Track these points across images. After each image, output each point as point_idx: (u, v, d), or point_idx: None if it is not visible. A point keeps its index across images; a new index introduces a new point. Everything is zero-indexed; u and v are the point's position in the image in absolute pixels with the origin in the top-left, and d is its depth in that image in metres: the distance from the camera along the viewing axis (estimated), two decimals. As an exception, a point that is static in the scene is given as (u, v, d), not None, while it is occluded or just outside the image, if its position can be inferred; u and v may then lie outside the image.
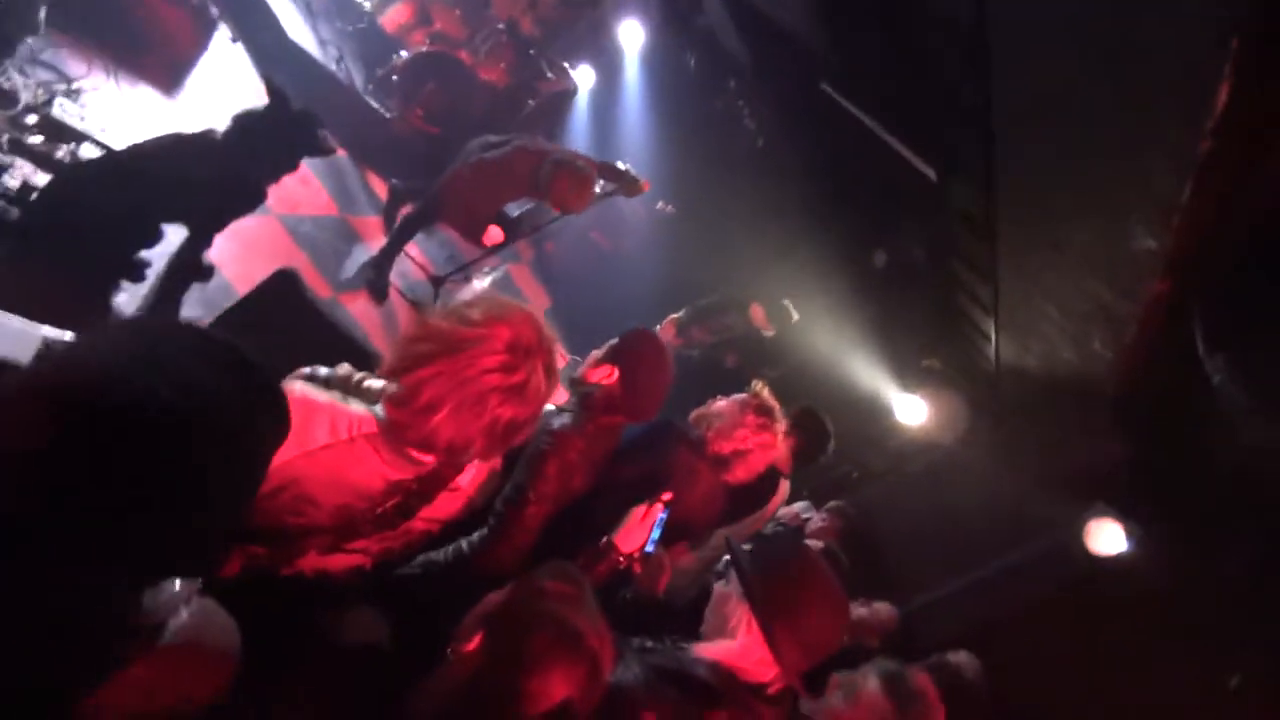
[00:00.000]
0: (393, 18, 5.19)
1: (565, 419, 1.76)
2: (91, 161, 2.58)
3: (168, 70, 3.50)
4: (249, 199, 2.77)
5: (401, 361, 1.17)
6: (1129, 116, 1.52)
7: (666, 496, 1.72)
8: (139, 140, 2.52)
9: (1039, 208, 2.39)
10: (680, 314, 5.66)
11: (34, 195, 2.24)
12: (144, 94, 3.28)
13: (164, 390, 0.58)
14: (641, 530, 1.64)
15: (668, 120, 6.50)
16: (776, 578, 1.31)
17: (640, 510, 1.63)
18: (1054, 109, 1.79)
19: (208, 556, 0.85)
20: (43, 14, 2.54)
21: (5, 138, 2.38)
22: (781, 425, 2.18)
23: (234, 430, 0.65)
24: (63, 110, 2.60)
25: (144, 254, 2.61)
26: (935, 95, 2.78)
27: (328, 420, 1.19)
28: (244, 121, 2.55)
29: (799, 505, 3.59)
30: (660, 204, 6.44)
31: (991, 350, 3.64)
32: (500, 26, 5.34)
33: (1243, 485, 2.14)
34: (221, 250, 2.99)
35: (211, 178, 2.57)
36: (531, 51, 5.53)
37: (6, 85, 2.42)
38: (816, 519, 3.27)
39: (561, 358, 1.32)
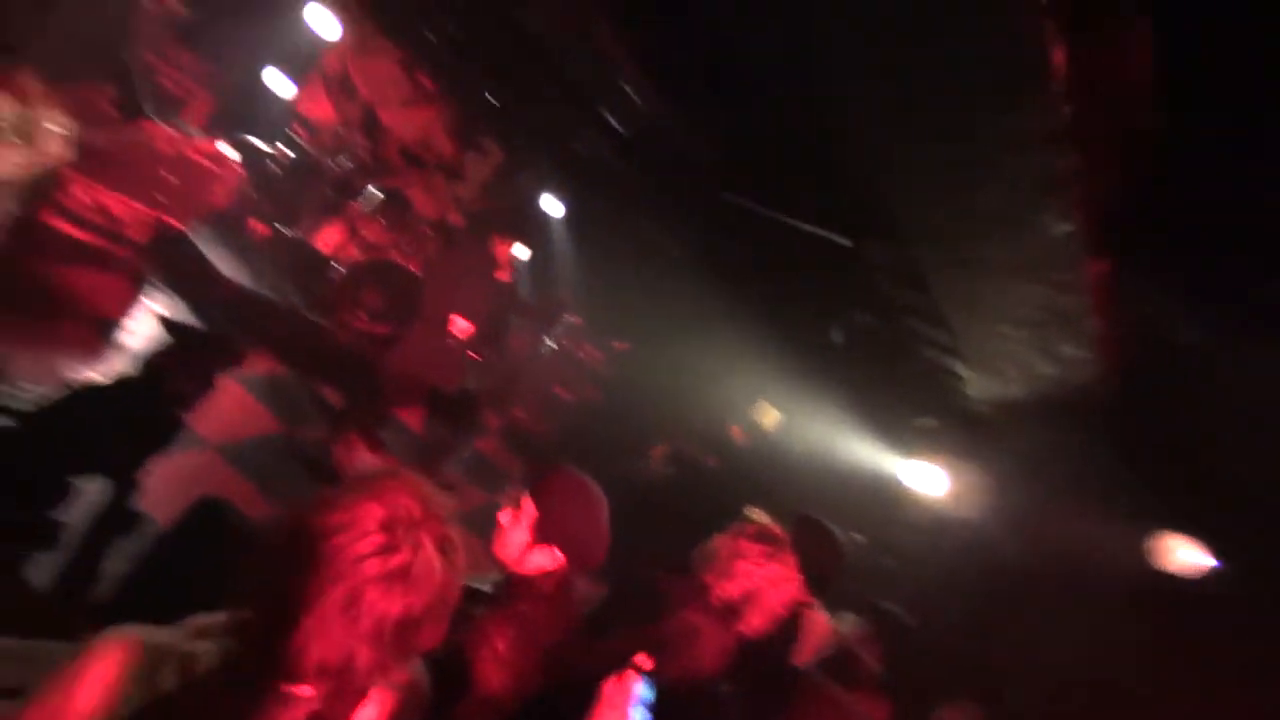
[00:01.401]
0: (325, 239, 5.50)
1: (485, 602, 1.46)
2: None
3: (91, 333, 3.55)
4: (166, 433, 2.65)
5: (254, 571, 0.93)
6: (987, 111, 1.52)
7: (640, 660, 1.36)
8: (43, 400, 2.43)
9: (949, 236, 2.37)
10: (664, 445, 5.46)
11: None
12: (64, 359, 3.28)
13: None
14: (615, 714, 1.26)
15: (603, 267, 6.79)
16: None
17: (609, 687, 1.26)
18: (915, 133, 1.82)
19: None
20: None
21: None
22: (790, 554, 1.81)
23: None
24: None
25: (55, 515, 2.41)
26: (808, 166, 2.90)
27: (175, 661, 0.94)
28: (146, 359, 2.51)
29: (847, 621, 3.14)
30: (615, 344, 6.52)
31: (974, 390, 3.49)
32: (425, 227, 5.70)
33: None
34: (154, 496, 2.81)
35: (119, 418, 2.46)
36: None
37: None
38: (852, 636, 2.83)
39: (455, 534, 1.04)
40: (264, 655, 0.90)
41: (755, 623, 1.73)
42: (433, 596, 0.98)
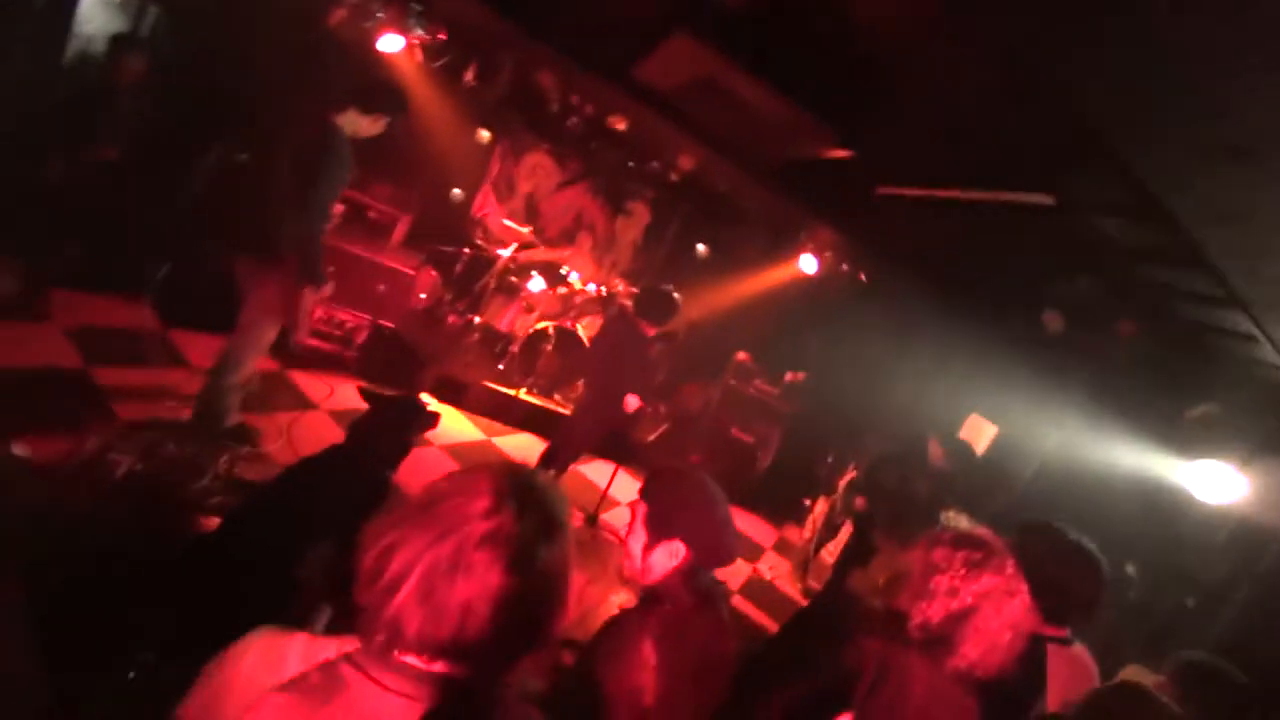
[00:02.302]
0: (503, 319, 6.10)
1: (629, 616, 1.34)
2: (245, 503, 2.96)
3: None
4: (380, 495, 2.95)
5: (371, 534, 0.92)
6: None
7: None
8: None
9: (1175, 132, 1.81)
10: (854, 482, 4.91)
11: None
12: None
13: None
14: None
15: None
16: None
17: None
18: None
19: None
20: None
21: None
22: (1008, 561, 1.41)
23: None
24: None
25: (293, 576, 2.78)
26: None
27: (300, 648, 0.94)
28: (355, 429, 2.84)
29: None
30: (788, 376, 6.16)
31: (1269, 348, 2.58)
32: (586, 295, 6.06)
33: None
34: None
35: (337, 483, 2.79)
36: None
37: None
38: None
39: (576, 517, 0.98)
40: (373, 614, 0.87)
41: (971, 653, 1.32)
42: (542, 579, 0.90)
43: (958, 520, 1.47)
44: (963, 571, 1.36)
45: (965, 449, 4.35)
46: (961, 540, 1.43)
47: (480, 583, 0.86)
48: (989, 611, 1.33)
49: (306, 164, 2.91)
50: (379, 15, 4.40)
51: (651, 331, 4.01)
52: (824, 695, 1.42)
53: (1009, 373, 4.66)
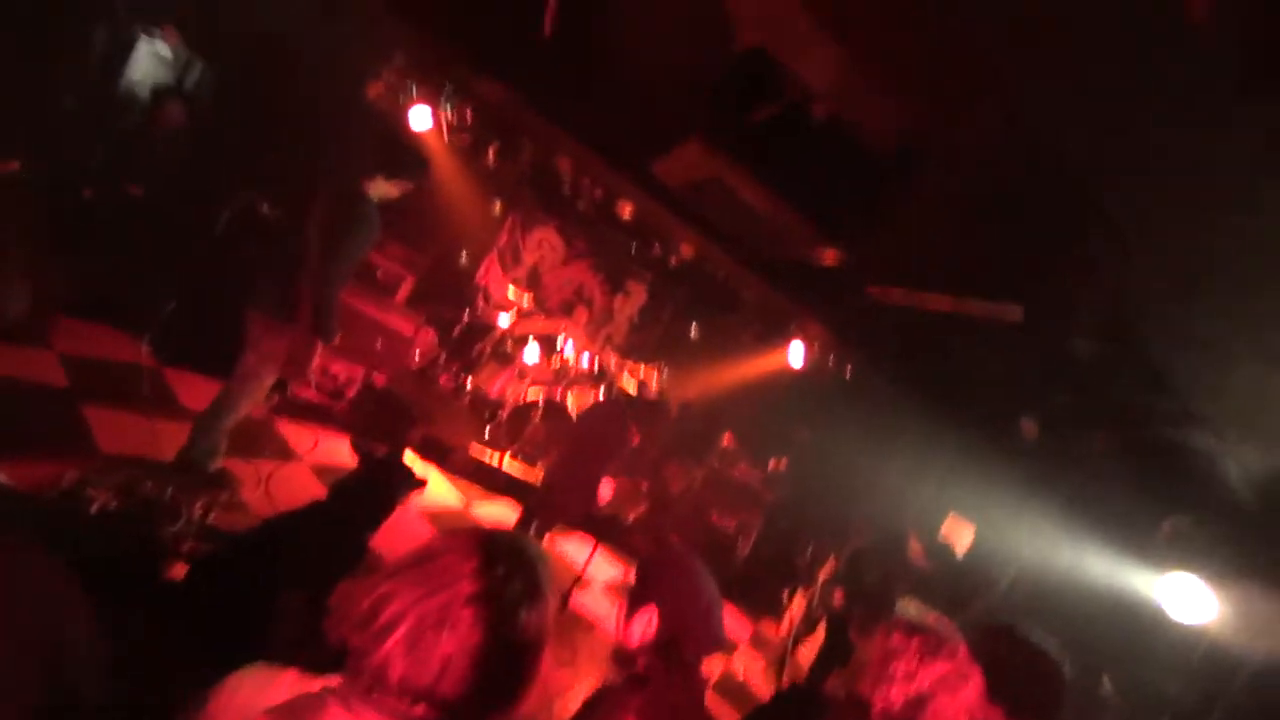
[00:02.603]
0: (496, 385, 6.15)
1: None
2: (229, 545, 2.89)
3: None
4: (356, 557, 2.90)
5: (359, 585, 0.99)
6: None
7: None
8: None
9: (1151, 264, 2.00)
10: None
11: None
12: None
13: None
14: None
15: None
16: None
17: None
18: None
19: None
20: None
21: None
22: (959, 647, 1.50)
23: None
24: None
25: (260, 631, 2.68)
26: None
27: (290, 680, 1.00)
28: (338, 489, 2.84)
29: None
30: (771, 463, 6.20)
31: (1234, 474, 2.70)
32: (579, 368, 6.17)
33: None
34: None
35: (322, 543, 2.75)
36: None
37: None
38: None
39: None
40: (362, 656, 0.93)
41: None
42: (518, 636, 0.96)
43: (907, 607, 1.56)
44: (917, 657, 1.43)
45: (946, 549, 4.37)
46: (916, 627, 1.51)
47: (463, 639, 0.92)
48: (944, 698, 1.39)
49: (335, 228, 3.05)
50: (413, 90, 4.74)
51: (637, 439, 4.08)
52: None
53: (988, 476, 4.76)
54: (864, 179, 3.00)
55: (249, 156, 4.67)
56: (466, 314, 6.41)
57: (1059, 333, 2.86)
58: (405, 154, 3.49)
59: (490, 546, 1.00)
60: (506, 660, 0.95)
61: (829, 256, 3.95)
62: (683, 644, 1.36)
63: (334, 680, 0.98)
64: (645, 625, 1.36)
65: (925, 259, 3.48)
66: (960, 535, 4.73)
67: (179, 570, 2.72)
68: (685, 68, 2.68)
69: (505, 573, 0.97)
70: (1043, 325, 2.98)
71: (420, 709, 0.93)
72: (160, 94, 4.55)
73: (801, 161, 3.03)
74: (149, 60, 4.84)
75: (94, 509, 2.75)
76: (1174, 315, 1.99)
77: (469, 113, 4.99)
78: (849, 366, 6.20)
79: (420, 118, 4.77)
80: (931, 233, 3.14)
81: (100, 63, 4.54)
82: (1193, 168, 1.47)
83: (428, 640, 0.90)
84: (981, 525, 4.67)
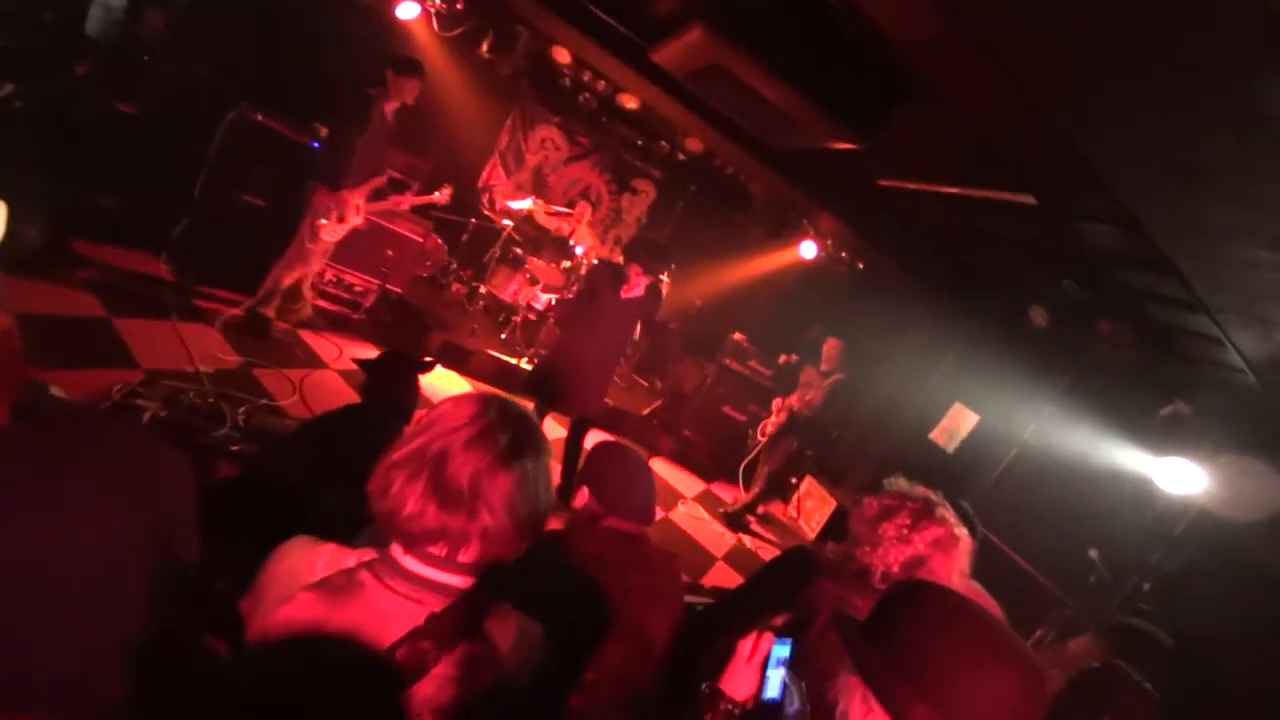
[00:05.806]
0: (508, 289, 6.22)
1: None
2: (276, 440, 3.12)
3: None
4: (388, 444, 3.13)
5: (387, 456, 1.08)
6: None
7: (778, 622, 1.29)
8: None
9: (1150, 154, 1.96)
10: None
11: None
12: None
13: None
14: (750, 671, 1.20)
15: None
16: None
17: (745, 644, 1.21)
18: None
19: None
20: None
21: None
22: (947, 510, 1.56)
23: None
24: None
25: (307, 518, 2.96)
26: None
27: (327, 555, 1.09)
28: (366, 388, 3.00)
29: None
30: (781, 358, 6.32)
31: (1233, 352, 2.75)
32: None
33: None
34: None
35: (357, 437, 2.96)
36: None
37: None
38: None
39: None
40: (384, 520, 1.03)
41: None
42: (509, 475, 1.03)
43: (897, 481, 1.63)
44: (909, 521, 1.51)
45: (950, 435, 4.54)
46: (904, 493, 1.59)
47: (477, 464, 1.00)
48: (940, 559, 1.47)
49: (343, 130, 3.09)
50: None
51: (639, 277, 3.80)
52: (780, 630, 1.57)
53: (995, 365, 4.84)
54: (881, 74, 2.84)
55: (235, 64, 4.51)
56: (473, 220, 6.36)
57: (1064, 223, 2.83)
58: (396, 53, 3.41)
59: (483, 401, 1.07)
60: (524, 487, 1.03)
61: (842, 146, 3.83)
62: (606, 512, 1.72)
63: (368, 554, 1.07)
64: (582, 497, 1.77)
65: (939, 153, 3.37)
66: (964, 423, 4.90)
67: (230, 469, 2.98)
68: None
69: (499, 419, 1.05)
70: (1047, 214, 2.94)
71: (448, 571, 1.02)
72: (139, 2, 4.33)
73: (813, 51, 2.87)
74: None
75: (145, 419, 2.98)
76: (1175, 202, 1.96)
77: (458, 2, 4.70)
78: (859, 261, 6.14)
79: (406, 10, 4.52)
80: (948, 130, 3.02)
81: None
82: (1192, 66, 1.41)
83: (448, 473, 0.98)
84: (985, 413, 4.82)
